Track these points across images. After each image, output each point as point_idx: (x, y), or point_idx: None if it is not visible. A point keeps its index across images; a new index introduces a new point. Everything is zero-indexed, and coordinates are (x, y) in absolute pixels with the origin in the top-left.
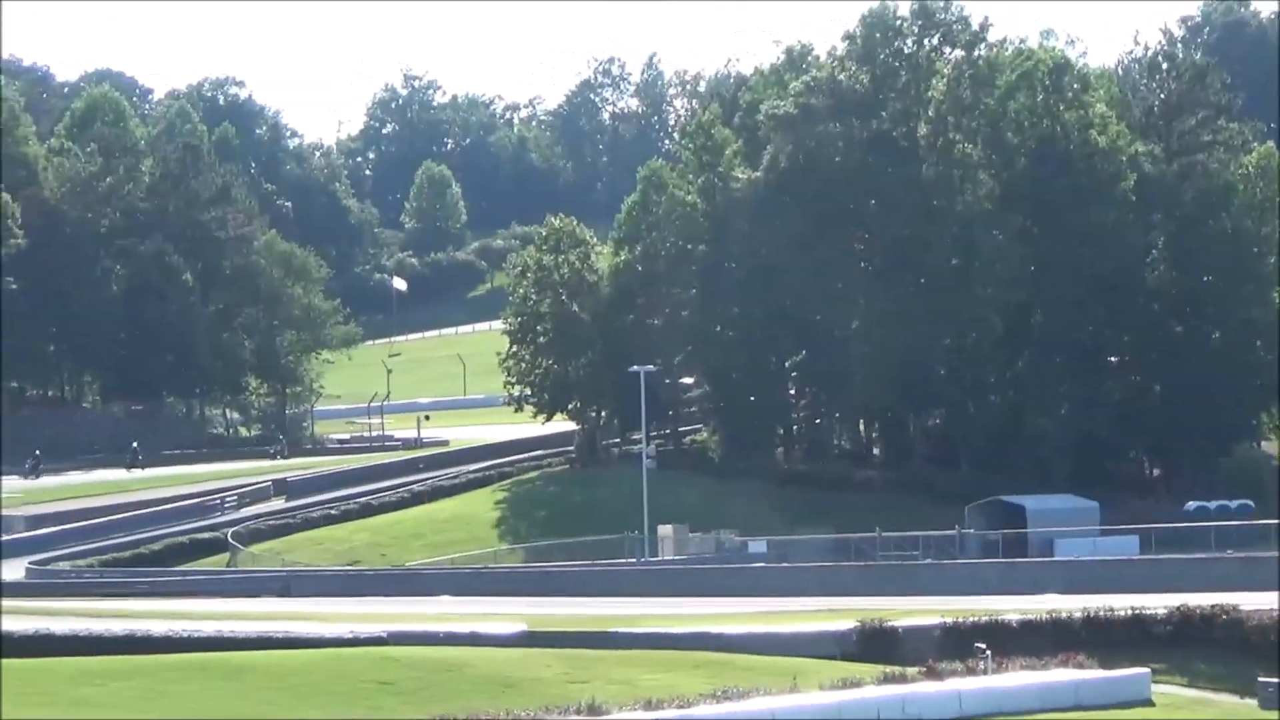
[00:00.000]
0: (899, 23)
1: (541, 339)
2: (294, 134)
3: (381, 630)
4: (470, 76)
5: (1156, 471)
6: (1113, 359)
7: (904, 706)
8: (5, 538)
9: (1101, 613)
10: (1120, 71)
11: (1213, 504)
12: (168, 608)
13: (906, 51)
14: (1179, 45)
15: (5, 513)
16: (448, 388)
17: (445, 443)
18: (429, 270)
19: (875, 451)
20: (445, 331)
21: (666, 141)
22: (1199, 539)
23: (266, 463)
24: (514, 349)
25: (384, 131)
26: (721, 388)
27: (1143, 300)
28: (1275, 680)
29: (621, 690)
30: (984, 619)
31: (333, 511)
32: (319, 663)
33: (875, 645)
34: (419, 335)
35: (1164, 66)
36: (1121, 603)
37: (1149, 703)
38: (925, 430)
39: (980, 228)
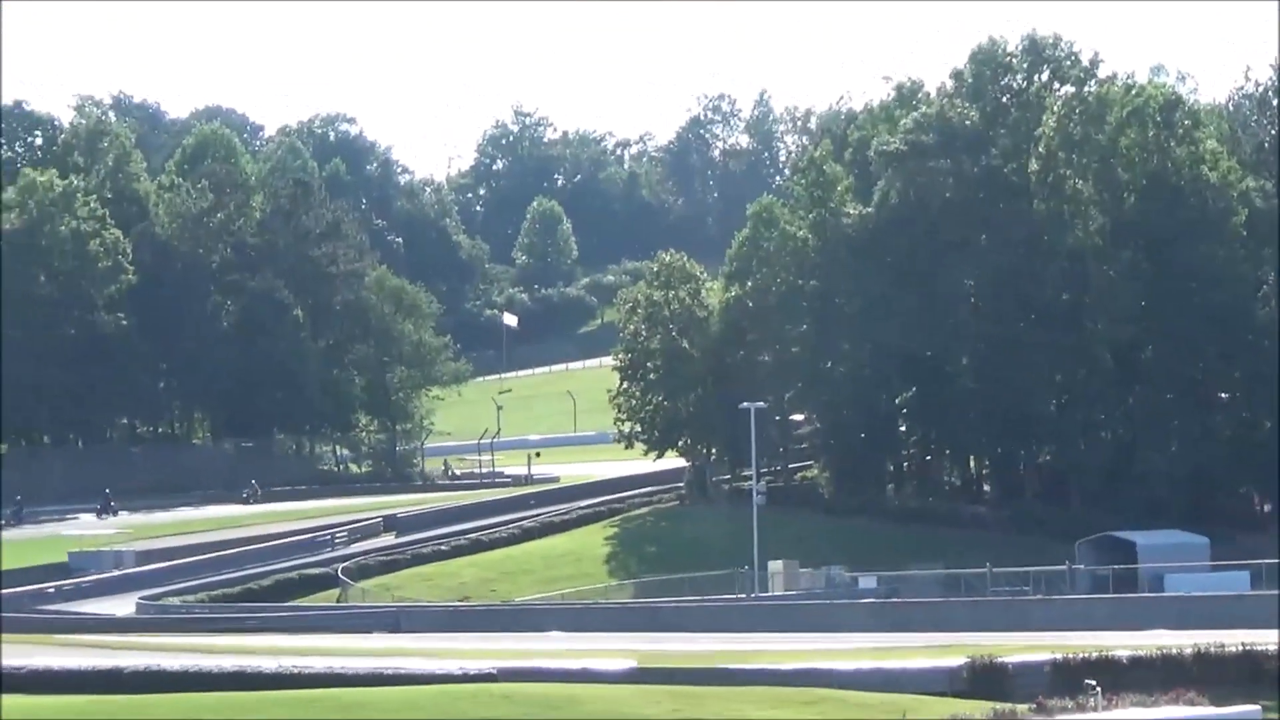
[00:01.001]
0: (1009, 59)
1: (652, 375)
2: (405, 170)
3: (492, 666)
4: (580, 113)
5: (1268, 507)
6: (1223, 395)
7: None
8: (116, 573)
9: (1212, 649)
10: (1231, 107)
11: None
12: (278, 643)
13: (1016, 87)
14: None
15: (117, 548)
16: (558, 424)
17: (556, 479)
18: (539, 306)
19: (986, 488)
20: (555, 368)
21: (777, 177)
22: None
23: (377, 498)
24: (624, 385)
25: (495, 167)
26: (832, 424)
27: (1253, 336)
28: None
29: None
30: (1094, 655)
31: (443, 547)
32: (429, 699)
33: (985, 681)
34: (529, 371)
35: (1275, 102)
36: (1232, 639)
37: None
38: (1036, 466)
39: (1091, 263)
